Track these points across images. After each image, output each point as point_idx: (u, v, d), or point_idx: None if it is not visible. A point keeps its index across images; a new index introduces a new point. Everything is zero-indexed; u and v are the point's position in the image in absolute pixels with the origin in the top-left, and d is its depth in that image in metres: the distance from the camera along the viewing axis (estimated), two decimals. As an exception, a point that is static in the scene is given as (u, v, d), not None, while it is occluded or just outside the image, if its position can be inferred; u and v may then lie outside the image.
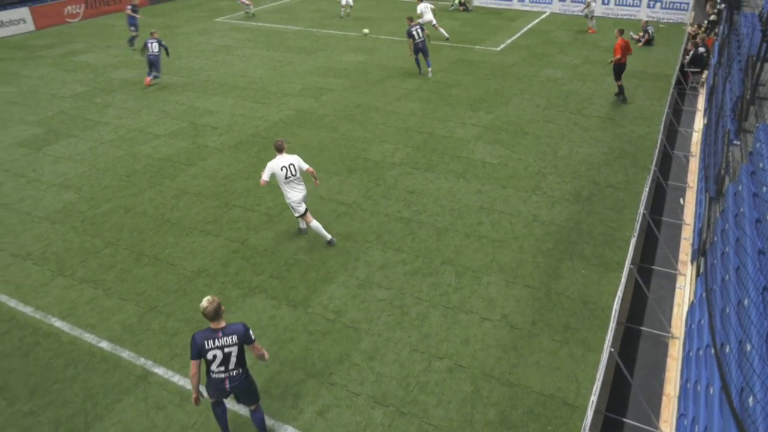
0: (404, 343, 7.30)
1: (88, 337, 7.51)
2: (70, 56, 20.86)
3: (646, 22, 21.29)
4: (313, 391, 6.63)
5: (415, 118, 14.31)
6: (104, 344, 7.39)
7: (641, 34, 20.83)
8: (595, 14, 23.39)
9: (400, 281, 8.42)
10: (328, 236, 9.26)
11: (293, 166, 8.70)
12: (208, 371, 5.53)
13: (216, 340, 5.38)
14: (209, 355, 5.42)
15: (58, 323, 7.78)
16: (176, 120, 14.55)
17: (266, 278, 8.55)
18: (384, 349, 7.20)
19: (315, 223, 9.13)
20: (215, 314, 5.39)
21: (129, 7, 21.25)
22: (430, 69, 17.44)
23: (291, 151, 12.47)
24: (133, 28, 21.25)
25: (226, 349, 5.42)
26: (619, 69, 14.84)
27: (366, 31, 22.46)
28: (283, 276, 8.59)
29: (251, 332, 5.55)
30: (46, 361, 7.17)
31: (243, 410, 6.31)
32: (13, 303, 8.18)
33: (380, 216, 10.09)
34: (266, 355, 5.85)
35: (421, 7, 20.27)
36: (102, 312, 7.96)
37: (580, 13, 24.79)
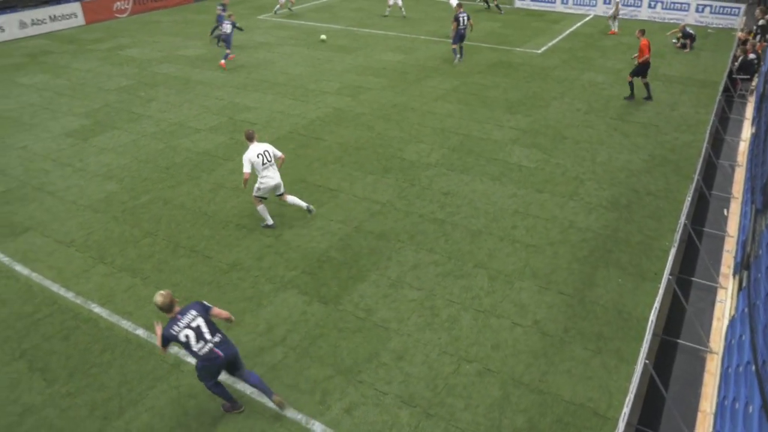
0: (434, 344, 7.28)
1: (125, 324, 7.71)
2: (117, 50, 21.45)
3: (685, 25, 20.71)
4: (341, 388, 6.67)
5: (451, 119, 14.24)
6: (140, 331, 7.58)
7: (679, 36, 20.29)
8: (619, 15, 23.16)
9: (432, 282, 8.39)
10: (304, 204, 9.86)
11: (268, 152, 9.26)
12: (195, 354, 5.82)
13: (179, 323, 5.80)
14: (182, 337, 5.77)
15: (97, 309, 8.01)
16: (216, 115, 14.81)
17: (298, 274, 8.64)
18: (413, 350, 7.19)
19: (291, 198, 9.78)
20: (170, 306, 5.86)
21: (219, 6, 21.69)
22: (461, 57, 18.62)
23: (329, 150, 12.60)
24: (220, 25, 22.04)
25: (193, 323, 5.83)
26: (645, 68, 14.84)
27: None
28: (315, 272, 8.67)
29: (204, 301, 6.11)
30: (85, 345, 7.39)
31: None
32: (56, 288, 8.46)
33: (414, 216, 10.08)
34: (232, 317, 6.23)
35: None
36: (139, 300, 8.16)
37: (606, 14, 24.43)
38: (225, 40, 19.04)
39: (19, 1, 24.70)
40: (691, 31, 20.29)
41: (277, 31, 23.84)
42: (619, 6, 23.01)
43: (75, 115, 15.05)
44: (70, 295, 8.29)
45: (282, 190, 9.61)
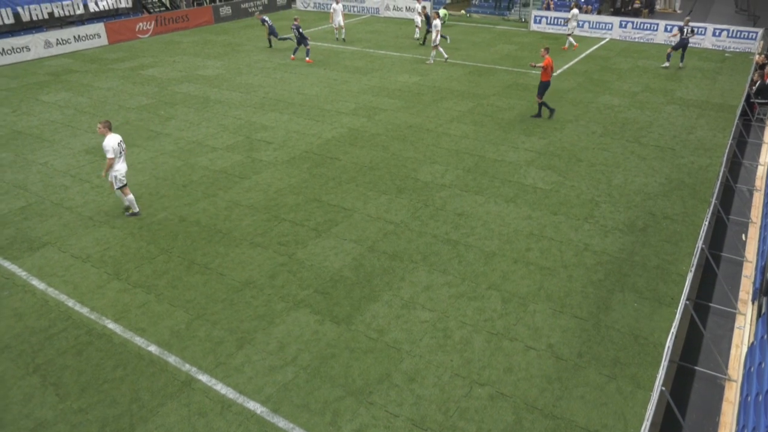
0: (446, 366, 7.20)
1: (138, 341, 7.74)
2: (138, 70, 21.88)
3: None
4: (352, 410, 6.61)
5: (466, 140, 14.27)
6: (153, 348, 7.60)
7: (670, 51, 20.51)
8: (573, 32, 24.11)
9: (445, 304, 8.34)
10: (137, 209, 10.83)
11: (122, 142, 10.53)
12: None
13: None
14: None
15: (111, 325, 8.06)
16: (233, 134, 14.99)
17: (311, 293, 8.64)
18: (425, 372, 7.13)
19: (131, 196, 10.79)
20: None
21: (263, 18, 24.63)
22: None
23: (344, 169, 12.67)
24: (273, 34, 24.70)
25: None
26: (546, 87, 15.26)
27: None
28: (328, 292, 8.66)
29: None
30: (98, 361, 7.42)
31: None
32: (71, 303, 8.53)
33: (427, 237, 10.06)
34: None
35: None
36: (152, 317, 8.20)
37: (565, 30, 25.04)
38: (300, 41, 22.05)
39: (45, 22, 25.39)
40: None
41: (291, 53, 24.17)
42: (572, 22, 24.00)
43: (95, 133, 15.30)
44: (84, 311, 8.36)
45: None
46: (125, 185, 10.65)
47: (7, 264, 9.51)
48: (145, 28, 28.13)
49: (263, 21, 24.67)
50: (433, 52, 21.71)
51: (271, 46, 25.16)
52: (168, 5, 32.31)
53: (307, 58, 22.31)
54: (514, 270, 9.09)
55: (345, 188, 11.87)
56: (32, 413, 6.65)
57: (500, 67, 21.07)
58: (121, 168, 10.48)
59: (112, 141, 10.22)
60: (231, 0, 34.26)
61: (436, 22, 21.00)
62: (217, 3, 33.52)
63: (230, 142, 14.44)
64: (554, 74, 20.12)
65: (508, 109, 16.51)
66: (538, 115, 15.80)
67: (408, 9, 31.58)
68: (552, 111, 15.78)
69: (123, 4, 28.59)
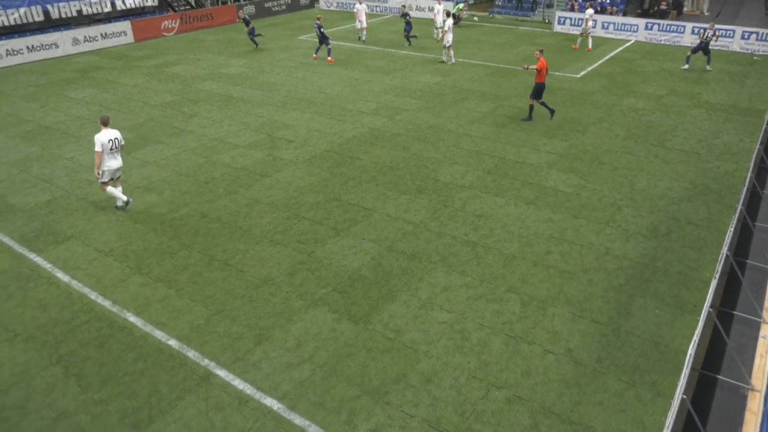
0: (463, 368, 7.18)
1: (159, 334, 7.84)
2: (163, 67, 22.17)
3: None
4: (368, 409, 6.62)
5: (487, 141, 14.20)
6: (172, 342, 7.70)
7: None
8: (589, 32, 23.84)
9: (463, 305, 8.31)
10: (124, 198, 11.01)
11: (117, 139, 10.70)
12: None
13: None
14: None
15: (132, 318, 8.18)
16: (255, 132, 15.11)
17: (329, 291, 8.67)
18: (442, 373, 7.11)
19: (119, 190, 11.06)
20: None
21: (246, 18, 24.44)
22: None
23: (364, 169, 12.69)
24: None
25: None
26: (540, 88, 15.19)
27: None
28: (346, 291, 8.68)
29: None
30: (119, 353, 7.54)
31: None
32: (93, 295, 8.68)
33: (446, 238, 10.03)
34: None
35: (438, 7, 24.51)
36: (173, 311, 8.30)
37: (579, 30, 24.87)
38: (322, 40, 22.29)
39: (74, 20, 25.85)
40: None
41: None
42: (590, 22, 23.77)
43: (120, 129, 15.51)
44: (107, 304, 8.49)
45: (120, 174, 11.05)
46: (106, 182, 10.85)
47: (32, 256, 9.71)
48: (170, 26, 28.48)
49: (246, 21, 24.50)
50: (451, 52, 21.61)
51: (257, 45, 25.06)
52: (193, 4, 32.67)
53: (329, 58, 22.36)
54: (534, 273, 9.02)
55: (365, 188, 11.89)
56: (54, 403, 6.78)
57: (521, 68, 20.92)
58: (111, 164, 10.68)
59: (102, 136, 10.49)
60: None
61: (449, 21, 20.96)
62: (241, 2, 33.79)
63: (252, 140, 14.55)
64: (578, 76, 19.93)
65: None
66: (529, 117, 15.63)
67: (430, 9, 31.51)
68: (552, 111, 15.65)
69: (149, 2, 28.96)
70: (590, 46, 23.75)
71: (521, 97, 17.53)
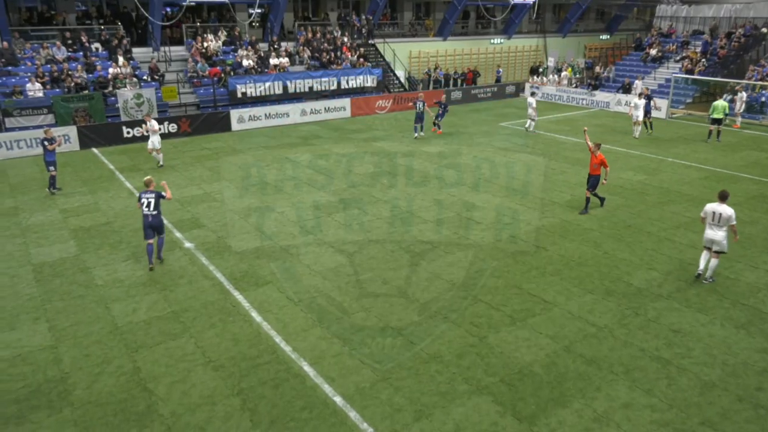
0: (637, 502, 6.28)
1: (327, 389, 8.18)
2: (371, 141, 24.20)
3: None
4: None
5: (694, 250, 12.84)
6: (338, 399, 7.96)
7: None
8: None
9: (645, 429, 7.37)
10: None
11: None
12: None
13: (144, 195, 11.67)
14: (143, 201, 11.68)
15: (306, 367, 8.67)
16: (445, 209, 15.55)
17: (496, 381, 8.33)
18: (611, 501, 6.30)
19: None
20: (147, 184, 11.79)
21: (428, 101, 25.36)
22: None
23: (549, 260, 12.26)
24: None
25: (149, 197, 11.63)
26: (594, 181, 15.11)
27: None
28: (514, 384, 8.27)
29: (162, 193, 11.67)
30: (290, 398, 8.00)
31: None
32: (278, 339, 9.42)
33: (633, 348, 9.11)
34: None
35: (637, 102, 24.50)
36: (343, 368, 8.63)
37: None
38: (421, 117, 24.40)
39: (305, 94, 29.69)
40: None
41: (515, 139, 24.59)
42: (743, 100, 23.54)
43: (325, 192, 17.15)
44: (288, 349, 9.14)
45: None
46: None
47: (236, 294, 10.92)
48: (383, 105, 31.21)
49: (441, 104, 25.57)
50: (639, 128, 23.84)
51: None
52: (406, 87, 35.51)
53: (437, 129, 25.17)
54: (738, 410, 7.72)
55: (548, 280, 11.43)
56: (228, 431, 7.37)
57: (745, 174, 18.83)
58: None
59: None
60: (462, 86, 36.43)
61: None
62: (450, 87, 35.88)
63: (440, 217, 14.99)
64: (816, 191, 17.31)
65: (749, 222, 14.55)
66: (585, 210, 15.34)
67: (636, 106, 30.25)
68: (602, 200, 15.69)
69: (369, 84, 32.19)
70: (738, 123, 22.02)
71: (741, 207, 15.67)
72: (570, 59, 43.77)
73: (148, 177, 11.95)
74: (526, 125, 26.24)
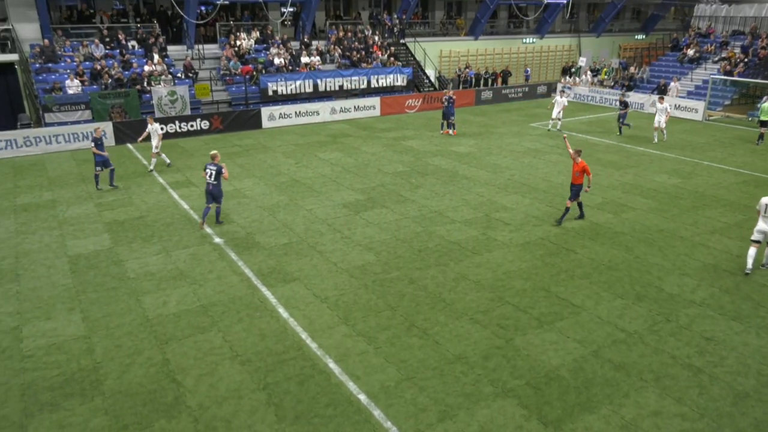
0: None
1: (351, 386, 8.21)
2: (400, 140, 24.19)
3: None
4: None
5: (729, 256, 12.52)
6: (362, 397, 7.99)
7: None
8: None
9: (674, 438, 7.22)
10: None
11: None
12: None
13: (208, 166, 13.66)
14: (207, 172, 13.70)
15: (331, 364, 8.72)
16: (473, 210, 15.46)
17: (522, 384, 8.25)
18: None
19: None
20: (213, 157, 13.75)
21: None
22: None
23: (579, 263, 12.09)
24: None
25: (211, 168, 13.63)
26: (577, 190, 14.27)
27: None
28: (540, 388, 8.18)
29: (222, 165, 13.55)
30: (314, 394, 8.05)
31: None
32: (304, 335, 9.50)
33: (664, 355, 8.92)
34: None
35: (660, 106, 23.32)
36: (368, 367, 8.66)
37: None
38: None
39: (335, 93, 29.83)
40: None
41: (546, 139, 24.30)
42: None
43: (354, 190, 17.20)
44: (313, 346, 9.21)
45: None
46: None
47: (263, 289, 11.05)
48: (413, 104, 31.16)
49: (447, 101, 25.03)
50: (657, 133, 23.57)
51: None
52: (436, 86, 35.39)
53: (451, 130, 25.04)
54: (774, 422, 7.50)
55: (577, 283, 11.27)
56: (254, 425, 7.45)
57: (786, 180, 18.26)
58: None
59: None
60: (493, 86, 36.16)
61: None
62: (480, 87, 35.63)
63: (469, 217, 14.90)
64: None
65: (789, 229, 14.10)
66: (581, 216, 14.81)
67: (679, 107, 29.59)
68: (582, 212, 14.83)
69: (399, 83, 32.17)
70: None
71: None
72: (603, 59, 43.04)
73: (214, 151, 13.83)
74: (550, 126, 26.15)
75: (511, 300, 10.63)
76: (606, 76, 37.27)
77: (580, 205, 14.68)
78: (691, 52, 35.98)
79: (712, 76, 31.17)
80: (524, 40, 42.57)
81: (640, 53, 43.61)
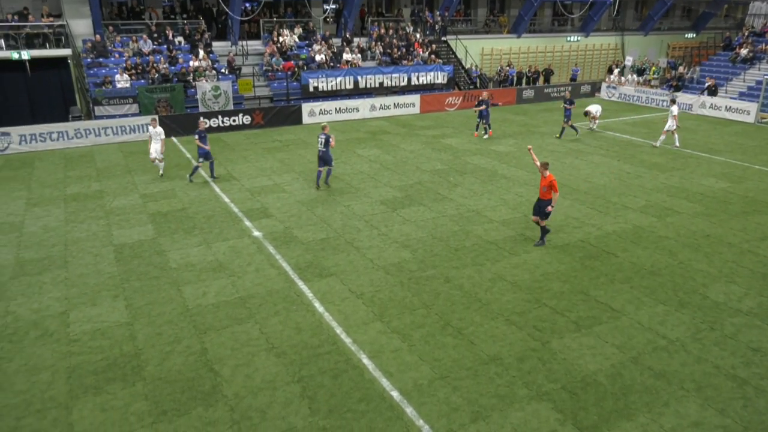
0: None
1: (385, 383, 8.24)
2: (439, 138, 24.08)
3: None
4: None
5: (780, 265, 12.03)
6: (395, 394, 8.00)
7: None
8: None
9: (716, 450, 6.99)
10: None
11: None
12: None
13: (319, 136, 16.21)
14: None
15: (365, 360, 8.76)
16: (512, 209, 15.28)
17: (557, 388, 8.12)
18: None
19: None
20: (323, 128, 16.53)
21: (566, 101, 23.80)
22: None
23: (620, 267, 11.83)
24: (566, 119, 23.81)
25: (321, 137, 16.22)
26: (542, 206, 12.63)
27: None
28: (576, 392, 8.04)
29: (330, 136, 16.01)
30: (348, 389, 8.11)
31: None
32: (339, 330, 9.57)
33: (707, 365, 8.65)
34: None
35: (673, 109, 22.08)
36: (401, 364, 8.67)
37: None
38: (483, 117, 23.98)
39: (375, 90, 29.89)
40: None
41: (589, 140, 23.81)
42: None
43: (392, 187, 17.22)
44: (348, 341, 9.27)
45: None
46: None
47: (300, 283, 11.17)
48: (452, 102, 30.96)
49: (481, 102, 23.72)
50: (663, 137, 22.43)
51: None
52: (477, 84, 35.08)
53: (478, 132, 24.50)
54: (824, 439, 7.18)
55: (617, 287, 11.02)
56: (287, 417, 7.56)
57: (843, 187, 17.42)
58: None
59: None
60: (535, 84, 35.63)
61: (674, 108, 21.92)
62: (522, 86, 35.14)
63: (507, 217, 14.73)
64: None
65: None
66: (540, 241, 13.04)
67: (730, 109, 28.56)
68: (544, 233, 13.03)
69: (439, 80, 32.03)
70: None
71: (836, 221, 14.54)
72: (650, 58, 41.88)
73: (324, 123, 16.56)
74: (591, 125, 25.63)
75: (549, 302, 10.47)
76: (654, 76, 36.25)
77: (543, 228, 12.94)
78: (744, 51, 34.63)
79: (766, 76, 29.94)
80: (568, 39, 41.77)
81: (690, 52, 42.24)
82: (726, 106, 28.86)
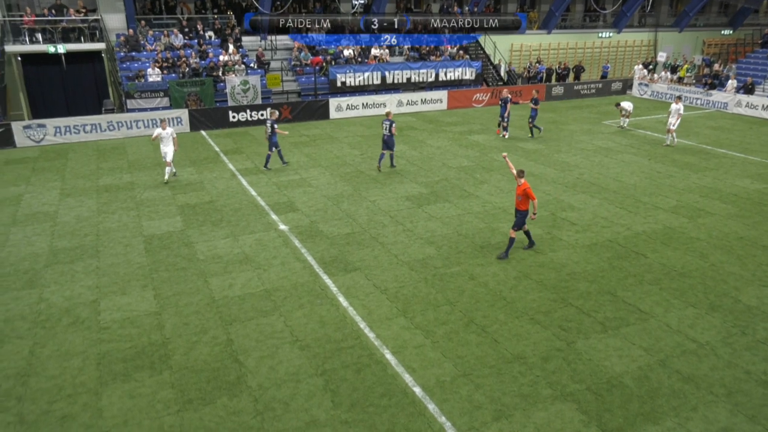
0: None
1: (407, 378, 8.24)
2: (466, 134, 23.92)
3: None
4: None
5: (817, 269, 11.67)
6: (417, 390, 8.00)
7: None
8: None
9: (745, 457, 6.83)
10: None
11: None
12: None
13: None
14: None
15: (388, 355, 8.78)
16: (539, 208, 15.07)
17: (582, 389, 8.02)
18: None
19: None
20: (387, 114, 18.20)
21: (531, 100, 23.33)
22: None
23: (649, 268, 11.61)
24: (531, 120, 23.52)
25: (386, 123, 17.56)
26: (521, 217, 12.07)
27: None
28: (601, 394, 7.93)
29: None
30: (370, 384, 8.14)
31: None
32: (362, 325, 9.60)
33: (738, 370, 8.45)
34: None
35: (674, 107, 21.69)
36: (424, 360, 8.66)
37: None
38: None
39: (402, 85, 29.82)
40: None
41: (619, 138, 23.41)
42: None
43: (417, 183, 17.18)
44: (371, 335, 9.29)
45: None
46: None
47: (325, 277, 11.24)
48: (480, 98, 30.72)
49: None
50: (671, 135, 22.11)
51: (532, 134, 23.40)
52: (505, 80, 34.73)
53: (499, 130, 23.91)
54: None
55: (646, 288, 10.83)
56: (310, 409, 7.62)
57: None
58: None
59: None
60: (565, 81, 35.13)
61: (676, 106, 21.47)
62: (552, 83, 34.69)
63: (533, 215, 14.56)
64: None
65: None
66: (505, 254, 12.26)
67: (765, 107, 27.78)
68: (532, 244, 12.63)
69: (467, 76, 31.81)
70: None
71: None
72: (685, 55, 40.92)
73: (388, 109, 17.60)
74: (622, 123, 25.22)
75: (575, 302, 10.34)
76: (688, 73, 35.43)
77: (527, 233, 12.55)
78: (783, 49, 33.62)
79: (806, 75, 29.04)
80: (600, 35, 41.03)
81: (726, 49, 41.17)
82: (763, 105, 28.05)
